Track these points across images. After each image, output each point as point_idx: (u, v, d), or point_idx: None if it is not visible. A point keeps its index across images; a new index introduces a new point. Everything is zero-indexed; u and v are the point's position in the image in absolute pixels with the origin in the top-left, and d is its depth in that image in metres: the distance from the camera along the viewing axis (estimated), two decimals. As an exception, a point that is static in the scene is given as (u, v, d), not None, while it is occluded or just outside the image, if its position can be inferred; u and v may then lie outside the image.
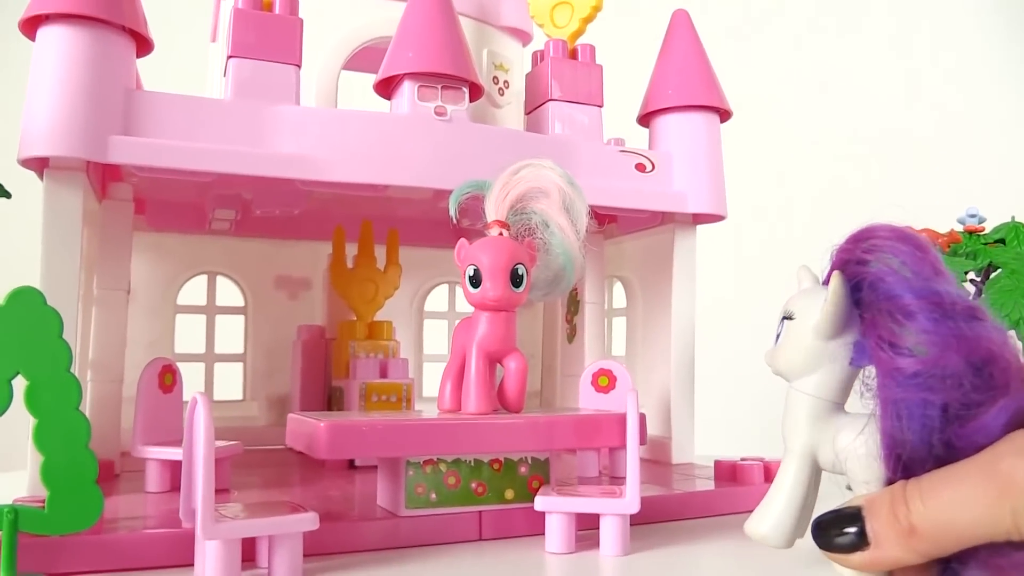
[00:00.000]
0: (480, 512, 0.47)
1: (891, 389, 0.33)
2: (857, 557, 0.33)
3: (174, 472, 0.54)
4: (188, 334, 0.79)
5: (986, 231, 0.67)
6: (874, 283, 0.34)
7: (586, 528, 0.45)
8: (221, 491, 0.55)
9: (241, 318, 0.80)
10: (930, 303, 0.33)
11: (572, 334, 0.78)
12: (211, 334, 0.79)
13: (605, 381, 0.62)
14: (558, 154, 0.60)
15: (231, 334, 0.80)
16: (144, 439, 0.54)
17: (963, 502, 0.31)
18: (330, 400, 0.73)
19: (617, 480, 0.60)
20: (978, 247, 0.64)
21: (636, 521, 0.50)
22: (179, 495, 0.53)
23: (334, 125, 0.55)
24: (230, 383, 0.80)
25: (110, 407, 0.60)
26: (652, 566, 0.42)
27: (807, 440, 0.37)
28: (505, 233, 0.49)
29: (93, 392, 0.60)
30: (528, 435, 0.46)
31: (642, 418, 0.50)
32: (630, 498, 0.43)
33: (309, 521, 0.39)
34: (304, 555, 0.40)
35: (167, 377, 0.56)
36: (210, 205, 0.69)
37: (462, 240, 0.49)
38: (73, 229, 0.51)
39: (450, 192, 0.51)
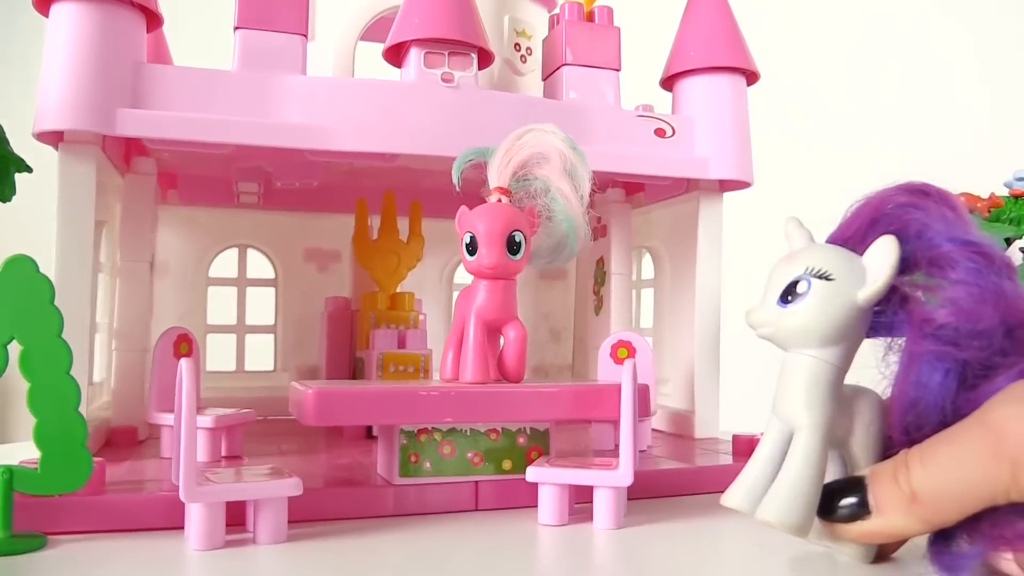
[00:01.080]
0: (477, 482, 0.46)
1: (917, 342, 0.32)
2: (858, 527, 0.33)
3: (188, 439, 0.55)
4: (220, 306, 0.80)
5: (1033, 196, 0.63)
6: (921, 231, 0.33)
7: (587, 501, 0.44)
8: (233, 458, 0.55)
9: (271, 290, 0.81)
10: (972, 253, 0.32)
11: (599, 306, 0.77)
12: (242, 306, 0.80)
13: (624, 353, 0.61)
14: (572, 120, 0.59)
15: (262, 306, 0.81)
16: (159, 406, 0.56)
17: (960, 461, 0.30)
18: (354, 371, 0.73)
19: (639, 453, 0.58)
20: (1023, 212, 0.60)
21: (645, 495, 0.49)
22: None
23: (340, 94, 0.55)
24: (262, 354, 0.81)
25: (134, 375, 0.62)
26: (642, 540, 0.41)
27: (824, 413, 0.34)
28: (505, 200, 0.48)
29: (117, 361, 0.62)
30: (524, 405, 0.46)
31: (644, 388, 0.49)
32: (623, 470, 0.42)
33: (292, 486, 0.39)
34: (293, 520, 0.40)
35: (183, 346, 0.57)
36: (234, 178, 0.70)
37: (462, 207, 0.49)
38: (86, 201, 0.52)
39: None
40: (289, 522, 0.40)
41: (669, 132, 0.63)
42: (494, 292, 0.47)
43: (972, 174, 0.64)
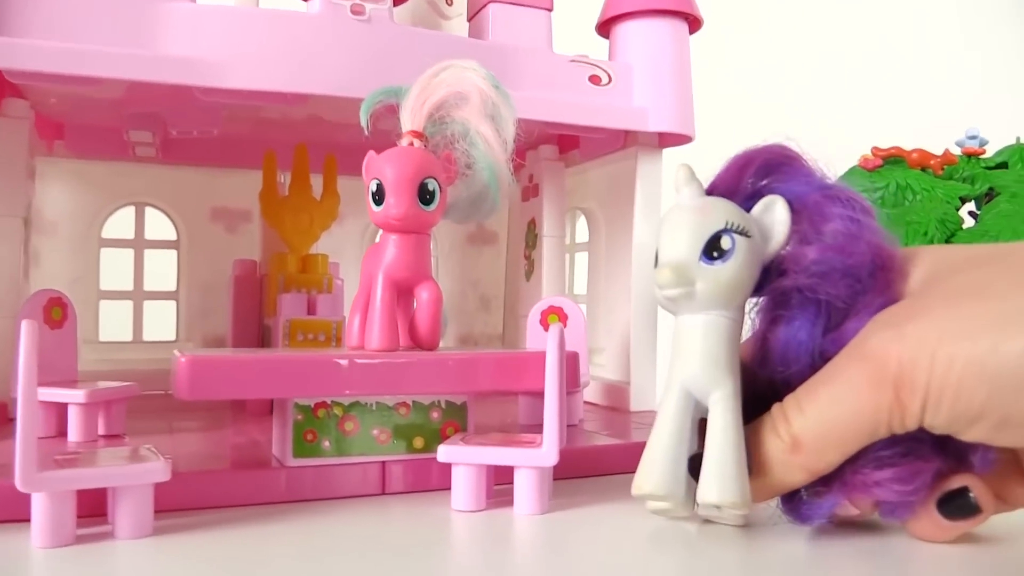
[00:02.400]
0: (383, 463, 0.41)
1: (787, 280, 0.33)
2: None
3: (61, 415, 0.49)
4: (115, 270, 0.73)
5: (987, 154, 0.60)
6: (790, 185, 0.34)
7: (508, 482, 0.39)
8: (113, 436, 0.49)
9: (173, 253, 0.74)
10: (841, 198, 0.33)
11: (530, 270, 0.72)
12: (139, 270, 0.73)
13: (555, 320, 0.56)
14: (498, 63, 0.53)
15: (163, 271, 0.74)
16: (26, 379, 0.49)
17: (842, 397, 0.30)
18: (263, 340, 0.67)
19: (570, 428, 0.54)
20: (977, 171, 0.57)
21: (574, 474, 0.44)
22: (66, 439, 0.48)
23: (234, 24, 0.48)
24: (163, 323, 0.74)
25: (3, 344, 0.54)
26: (568, 527, 0.36)
27: (738, 374, 0.33)
28: (419, 144, 0.42)
29: (-15, 328, 0.55)
30: (438, 375, 0.40)
31: (574, 357, 0.44)
32: (547, 449, 0.37)
33: (157, 471, 0.33)
34: (164, 510, 0.35)
35: (55, 311, 0.50)
36: (124, 126, 0.63)
37: (370, 152, 0.43)
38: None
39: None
40: (160, 512, 0.34)
41: (605, 79, 0.58)
42: (404, 248, 0.42)
43: (926, 133, 0.60)
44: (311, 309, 0.60)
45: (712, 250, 0.32)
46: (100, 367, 0.69)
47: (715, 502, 0.31)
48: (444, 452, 0.37)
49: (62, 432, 0.48)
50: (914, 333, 0.29)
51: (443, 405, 0.42)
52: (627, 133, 0.63)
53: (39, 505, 0.32)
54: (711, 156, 0.68)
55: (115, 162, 0.71)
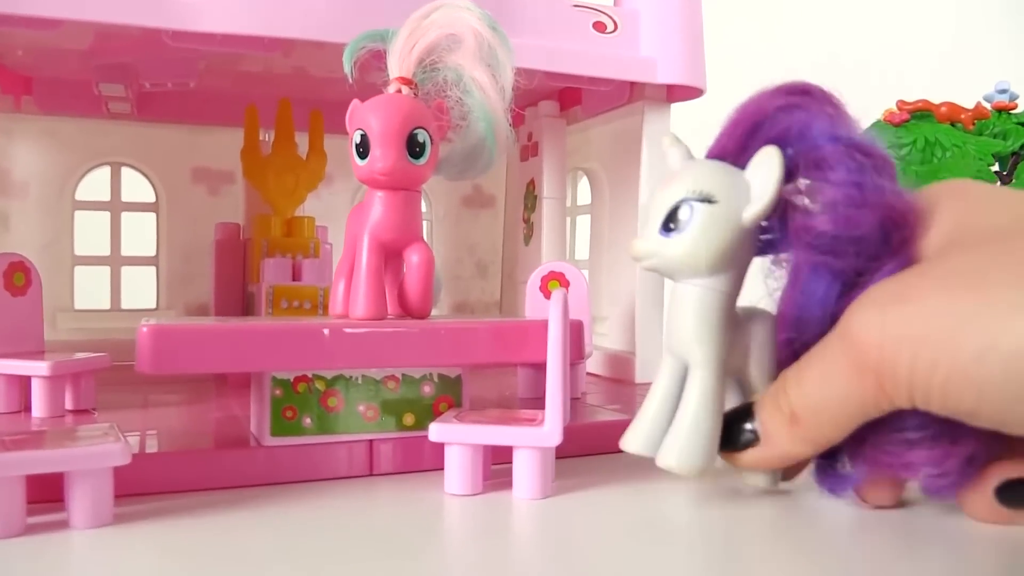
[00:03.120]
0: (371, 442, 0.37)
1: (798, 253, 0.31)
2: (750, 455, 0.32)
3: (23, 389, 0.45)
4: (91, 235, 0.69)
5: (1019, 109, 0.56)
6: (803, 131, 0.31)
7: (507, 462, 0.36)
8: (82, 412, 0.46)
9: (152, 216, 0.70)
10: (854, 151, 0.30)
11: (529, 234, 0.68)
12: (116, 234, 0.69)
13: (555, 286, 0.53)
14: (494, 6, 0.48)
15: (142, 235, 0.70)
16: (-15, 351, 0.45)
17: (827, 377, 0.30)
18: (247, 308, 0.63)
19: (572, 402, 0.50)
20: (1009, 126, 0.53)
21: (577, 452, 0.41)
22: (30, 415, 0.45)
23: (205, -39, 0.44)
24: (142, 290, 0.70)
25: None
26: (571, 512, 0.33)
27: (717, 345, 0.32)
28: (407, 91, 0.38)
29: (-56, 296, 0.51)
30: (430, 346, 0.37)
31: (578, 326, 0.40)
32: (549, 428, 0.33)
33: (116, 454, 0.30)
34: (128, 495, 0.31)
35: (17, 277, 0.47)
36: (94, 79, 0.58)
37: (354, 101, 0.39)
38: None
39: (363, 54, 0.40)
40: (122, 497, 0.31)
41: (610, 27, 0.54)
42: (392, 206, 0.38)
43: (954, 84, 0.56)
44: (296, 275, 0.56)
45: (669, 222, 0.31)
46: (76, 337, 0.66)
47: (672, 467, 0.32)
48: (436, 431, 0.34)
49: (27, 407, 0.45)
50: (896, 323, 0.28)
51: (435, 379, 0.38)
52: (633, 86, 0.59)
53: (-18, 492, 0.29)
54: (721, 112, 0.64)
55: (88, 119, 0.67)
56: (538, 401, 0.51)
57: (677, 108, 0.60)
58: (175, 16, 0.43)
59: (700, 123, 0.73)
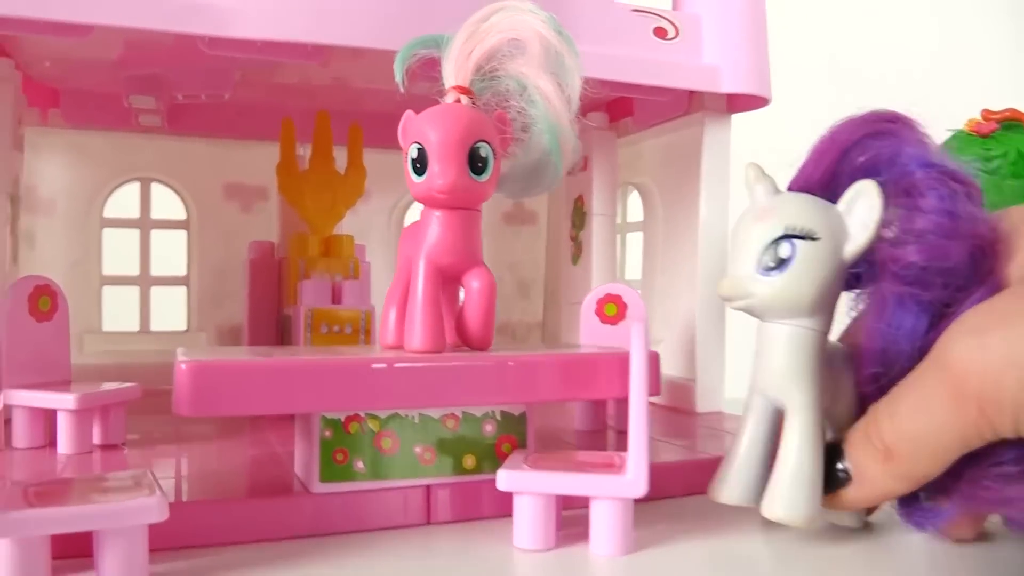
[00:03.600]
0: (428, 487, 0.34)
1: (885, 283, 0.30)
2: (842, 495, 0.31)
3: (49, 422, 0.42)
4: (120, 253, 0.66)
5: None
6: (893, 158, 0.30)
7: (578, 507, 0.32)
8: (111, 447, 0.42)
9: (183, 234, 0.67)
10: (944, 178, 0.29)
11: (577, 253, 0.64)
12: (146, 252, 0.66)
13: (613, 309, 0.49)
14: (550, 11, 0.46)
15: (172, 253, 0.67)
16: (9, 381, 0.42)
17: (925, 408, 0.28)
18: (282, 331, 0.60)
19: (625, 435, 0.46)
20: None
21: (650, 495, 0.37)
22: (55, 451, 0.42)
23: (245, -37, 0.41)
24: (172, 311, 0.67)
25: (-12, 339, 0.48)
26: (660, 572, 0.29)
27: (816, 387, 0.30)
28: (465, 101, 0.35)
29: (-34, 320, 0.48)
30: (493, 382, 0.33)
31: (654, 358, 0.37)
32: (634, 476, 0.30)
33: (151, 509, 0.26)
34: (162, 548, 0.28)
35: (43, 301, 0.44)
36: (124, 90, 0.56)
37: (408, 112, 0.36)
38: None
39: (411, 61, 0.37)
40: (158, 551, 0.28)
41: (671, 33, 0.50)
42: (450, 227, 0.34)
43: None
44: (336, 297, 0.53)
45: (769, 260, 0.30)
46: (103, 360, 0.63)
47: (780, 518, 0.30)
48: (506, 479, 0.30)
49: (52, 442, 0.42)
50: (996, 348, 0.27)
51: (498, 416, 0.35)
52: (691, 96, 0.55)
53: (5, 553, 0.25)
54: (782, 123, 0.60)
55: (117, 133, 0.64)
56: (595, 435, 0.47)
57: (737, 119, 0.56)
58: (211, 22, 0.40)
59: (764, 135, 0.69)
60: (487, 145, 0.34)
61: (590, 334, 0.49)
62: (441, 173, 0.33)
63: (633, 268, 0.67)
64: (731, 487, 0.32)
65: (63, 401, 0.40)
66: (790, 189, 0.33)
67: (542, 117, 0.36)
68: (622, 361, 0.35)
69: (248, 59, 0.43)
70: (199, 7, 0.40)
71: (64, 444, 0.41)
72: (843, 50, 1.03)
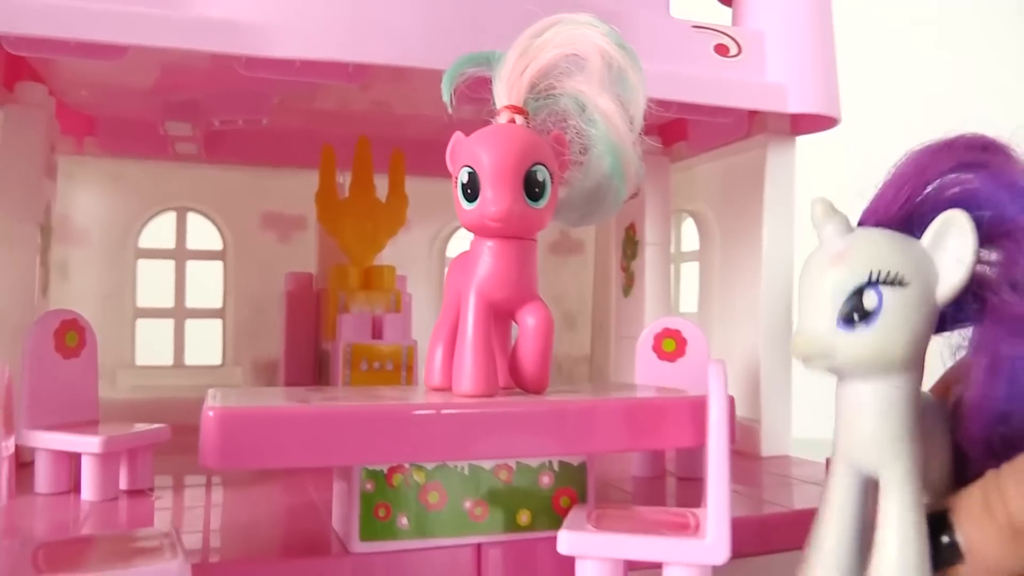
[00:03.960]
0: (479, 546, 0.30)
1: (1006, 340, 0.26)
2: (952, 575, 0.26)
3: (74, 465, 0.40)
4: (154, 284, 0.64)
5: None
6: (989, 199, 0.27)
7: (642, 567, 0.29)
8: (138, 492, 0.40)
9: (219, 264, 0.65)
10: None
11: (629, 284, 0.61)
12: (181, 284, 0.64)
13: (671, 345, 0.46)
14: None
15: (207, 285, 0.65)
16: (32, 421, 0.40)
17: None
18: (319, 368, 0.57)
19: (689, 484, 0.43)
20: None
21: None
22: (79, 497, 0.39)
23: (283, -21, 0.39)
24: (207, 344, 0.65)
25: (14, 373, 0.45)
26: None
27: (914, 454, 0.26)
28: (520, 121, 0.32)
29: (-9, 354, 0.46)
30: (552, 430, 0.30)
31: (731, 404, 0.33)
32: (713, 540, 0.26)
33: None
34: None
35: (70, 336, 0.41)
36: (160, 117, 0.54)
37: (457, 134, 0.33)
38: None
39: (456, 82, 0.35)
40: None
41: (733, 50, 0.47)
42: (504, 258, 0.31)
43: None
44: (376, 332, 0.50)
45: (853, 312, 0.26)
46: (136, 395, 0.61)
47: None
48: (568, 541, 0.27)
49: (77, 487, 0.39)
50: None
51: (556, 467, 0.31)
52: (752, 117, 0.52)
53: (6, 626, 0.23)
54: (851, 147, 0.55)
55: (153, 161, 0.63)
56: (654, 482, 0.44)
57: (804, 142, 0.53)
58: (248, 41, 0.38)
59: (832, 158, 0.65)
60: (544, 168, 0.31)
61: (646, 371, 0.46)
62: (495, 199, 0.30)
63: (688, 300, 0.63)
64: (827, 570, 0.27)
65: (88, 444, 0.38)
66: (863, 223, 0.29)
67: (603, 138, 0.33)
68: (694, 406, 0.31)
69: (286, 81, 0.41)
70: (235, 26, 0.38)
71: (88, 490, 0.38)
72: (922, 66, 0.97)
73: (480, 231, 0.32)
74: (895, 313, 0.26)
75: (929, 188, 0.28)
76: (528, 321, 0.32)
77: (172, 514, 0.37)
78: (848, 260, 0.26)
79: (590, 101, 0.33)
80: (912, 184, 0.28)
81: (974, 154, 0.28)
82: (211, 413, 0.26)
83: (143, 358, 0.63)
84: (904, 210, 0.28)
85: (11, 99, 0.48)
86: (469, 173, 0.31)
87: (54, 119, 0.51)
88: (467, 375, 0.31)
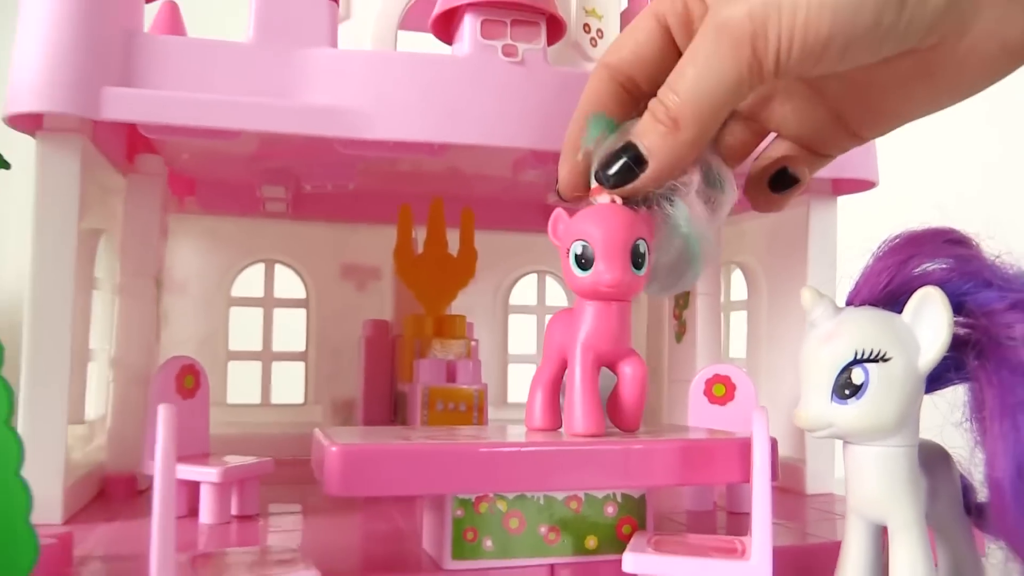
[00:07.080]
0: (552, 566, 0.35)
1: (1016, 391, 0.29)
2: (641, 178, 0.34)
3: (191, 493, 0.45)
4: (244, 330, 0.70)
5: None
6: (973, 275, 0.30)
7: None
8: (246, 518, 0.45)
9: (302, 311, 0.71)
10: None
11: (681, 332, 0.65)
12: (269, 329, 0.71)
13: (721, 390, 0.50)
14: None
15: (292, 330, 0.71)
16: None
17: (706, 66, 0.31)
18: (396, 407, 0.62)
19: (737, 518, 0.47)
20: None
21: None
22: (197, 521, 0.44)
23: (377, 71, 0.44)
24: (291, 385, 0.71)
25: (134, 412, 0.51)
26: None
27: (916, 502, 0.30)
28: (619, 200, 0.37)
29: (115, 394, 0.52)
30: (617, 466, 0.34)
31: (773, 445, 0.37)
32: (758, 562, 0.30)
33: (310, 585, 0.28)
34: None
35: (187, 379, 0.47)
36: (257, 182, 0.60)
37: (558, 211, 0.38)
38: (69, 201, 0.42)
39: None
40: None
41: (777, 121, 0.52)
42: (608, 317, 0.36)
43: None
44: (450, 376, 0.55)
45: (844, 388, 0.29)
46: (227, 431, 0.66)
47: None
48: (632, 561, 0.31)
49: (193, 511, 0.45)
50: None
51: (619, 499, 0.36)
52: (796, 180, 0.56)
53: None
54: (888, 206, 0.59)
55: (245, 218, 0.69)
56: (705, 516, 0.48)
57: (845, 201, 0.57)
58: (348, 126, 0.44)
59: (870, 216, 0.69)
60: (645, 242, 0.36)
61: (698, 414, 0.50)
62: (608, 270, 0.35)
63: (736, 347, 0.67)
64: None
65: (207, 474, 0.43)
66: (849, 303, 0.32)
67: (683, 217, 0.36)
68: (740, 447, 0.36)
69: (380, 156, 0.46)
70: (338, 112, 0.44)
71: (206, 514, 0.44)
72: (970, 137, 0.99)
73: (591, 295, 0.36)
74: (882, 385, 0.29)
75: (907, 270, 0.31)
76: (627, 371, 0.37)
77: (278, 536, 0.42)
78: (836, 339, 0.30)
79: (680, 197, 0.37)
80: (893, 268, 0.31)
81: (949, 246, 0.31)
82: (334, 449, 0.31)
83: (234, 397, 0.69)
84: (886, 291, 0.31)
85: (132, 169, 0.54)
86: (583, 246, 0.36)
87: (167, 185, 0.58)
88: (579, 417, 0.36)
